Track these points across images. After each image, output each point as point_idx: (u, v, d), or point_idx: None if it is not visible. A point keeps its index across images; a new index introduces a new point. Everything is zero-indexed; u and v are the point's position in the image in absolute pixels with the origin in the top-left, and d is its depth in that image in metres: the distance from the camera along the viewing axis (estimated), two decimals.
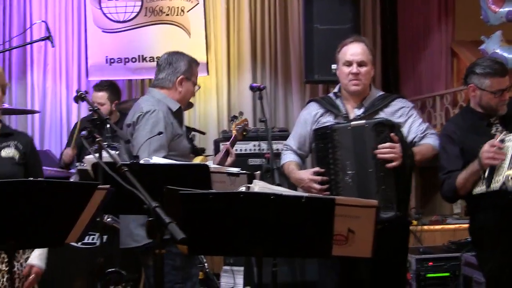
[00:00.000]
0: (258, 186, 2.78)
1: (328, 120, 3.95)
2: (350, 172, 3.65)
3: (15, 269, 3.21)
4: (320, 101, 4.06)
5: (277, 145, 5.52)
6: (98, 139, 3.11)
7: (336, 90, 4.03)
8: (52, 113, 7.40)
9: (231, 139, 4.60)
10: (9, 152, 3.27)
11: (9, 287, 3.15)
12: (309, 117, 4.04)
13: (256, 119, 7.25)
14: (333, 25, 6.40)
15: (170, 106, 3.94)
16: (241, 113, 4.90)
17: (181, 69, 4.00)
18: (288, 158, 4.08)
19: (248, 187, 2.77)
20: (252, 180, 3.16)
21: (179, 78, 3.98)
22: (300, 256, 3.75)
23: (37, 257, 3.39)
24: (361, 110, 3.91)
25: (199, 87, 4.19)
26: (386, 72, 7.86)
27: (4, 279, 3.24)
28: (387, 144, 3.60)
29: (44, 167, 5.27)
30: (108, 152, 2.86)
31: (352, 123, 3.74)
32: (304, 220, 2.63)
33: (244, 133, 4.71)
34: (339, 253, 2.71)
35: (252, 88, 4.57)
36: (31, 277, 3.38)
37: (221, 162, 4.31)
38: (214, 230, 2.66)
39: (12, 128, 3.48)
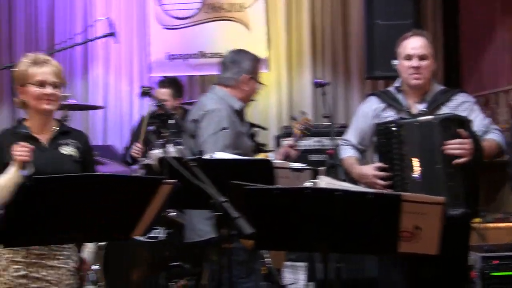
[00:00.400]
0: (324, 181, 2.77)
1: (390, 114, 3.89)
2: (417, 168, 3.60)
3: (67, 265, 3.23)
4: (381, 95, 4.02)
5: (338, 141, 5.47)
6: (164, 134, 3.14)
7: (397, 84, 3.98)
8: (114, 109, 7.51)
9: (292, 137, 4.54)
10: (69, 150, 3.31)
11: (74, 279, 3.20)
12: (369, 110, 4.01)
13: (317, 115, 7.23)
14: (394, 20, 6.35)
15: (232, 105, 3.95)
16: (303, 113, 4.82)
17: (246, 68, 4.04)
18: (348, 153, 4.05)
19: (314, 183, 2.76)
20: (316, 175, 3.15)
21: (244, 77, 4.01)
22: (366, 253, 3.73)
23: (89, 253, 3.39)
24: (423, 105, 3.84)
25: (263, 85, 4.19)
26: (448, 68, 7.73)
27: (58, 275, 3.25)
28: (457, 140, 3.54)
29: (106, 161, 5.38)
30: (176, 148, 2.89)
31: (420, 118, 3.68)
32: (370, 216, 2.61)
33: (307, 132, 4.63)
34: (405, 250, 2.68)
35: (315, 84, 4.54)
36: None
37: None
38: (280, 225, 2.65)
39: (68, 126, 3.54)
